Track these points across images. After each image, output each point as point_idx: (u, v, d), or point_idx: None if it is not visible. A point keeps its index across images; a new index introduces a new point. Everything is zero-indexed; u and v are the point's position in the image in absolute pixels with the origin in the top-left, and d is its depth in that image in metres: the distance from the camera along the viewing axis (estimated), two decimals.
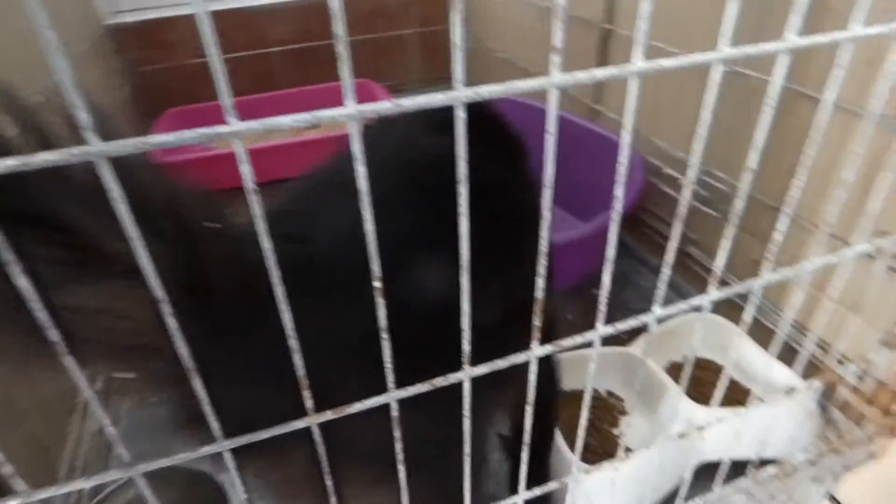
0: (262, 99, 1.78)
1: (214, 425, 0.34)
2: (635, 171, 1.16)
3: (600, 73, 0.31)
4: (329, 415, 0.37)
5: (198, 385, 0.31)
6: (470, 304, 0.36)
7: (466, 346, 0.39)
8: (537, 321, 0.41)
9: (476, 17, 1.85)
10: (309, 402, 0.36)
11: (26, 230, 0.28)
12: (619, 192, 0.39)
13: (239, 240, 0.37)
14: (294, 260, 0.31)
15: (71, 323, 0.30)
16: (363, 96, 1.84)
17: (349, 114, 0.26)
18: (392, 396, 0.38)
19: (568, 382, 0.94)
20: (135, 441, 0.92)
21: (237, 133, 0.25)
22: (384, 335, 0.34)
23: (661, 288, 0.46)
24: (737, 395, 0.90)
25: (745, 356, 0.91)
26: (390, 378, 0.37)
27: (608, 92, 1.35)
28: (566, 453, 0.77)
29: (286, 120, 0.25)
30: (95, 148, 0.23)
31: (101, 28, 1.56)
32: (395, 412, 0.39)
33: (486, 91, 0.29)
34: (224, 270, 0.37)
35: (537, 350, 0.42)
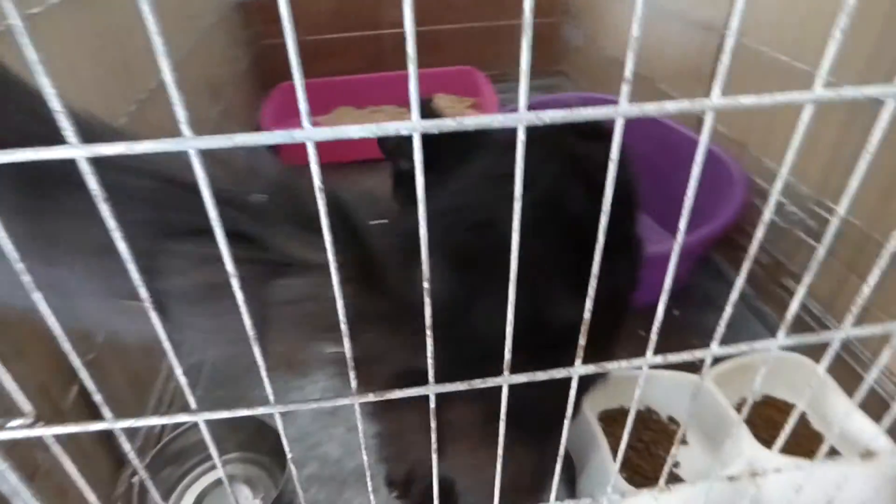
0: (371, 79, 1.84)
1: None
2: (736, 189, 1.10)
3: (671, 106, 0.31)
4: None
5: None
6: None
7: (508, 355, 0.40)
8: (582, 340, 0.41)
9: (587, 14, 1.81)
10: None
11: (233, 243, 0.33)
12: (683, 224, 0.38)
13: (402, 232, 0.41)
14: (477, 248, 0.35)
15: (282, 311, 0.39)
16: (465, 84, 1.86)
17: (412, 127, 0.28)
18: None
19: (628, 399, 0.92)
20: (219, 384, 1.02)
21: (310, 137, 0.28)
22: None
23: (721, 326, 0.44)
24: (810, 444, 0.84)
25: (824, 401, 0.85)
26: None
27: None
28: (609, 467, 0.76)
29: (354, 130, 0.28)
30: (188, 141, 0.27)
31: (231, 2, 1.68)
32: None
33: (548, 116, 0.29)
34: (391, 259, 0.42)
35: (580, 369, 0.42)
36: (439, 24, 1.88)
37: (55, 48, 0.71)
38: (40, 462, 0.57)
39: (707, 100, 0.31)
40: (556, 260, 0.56)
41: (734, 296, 0.43)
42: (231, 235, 0.30)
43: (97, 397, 0.37)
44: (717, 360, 0.97)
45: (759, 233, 0.38)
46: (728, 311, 0.44)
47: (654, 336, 0.43)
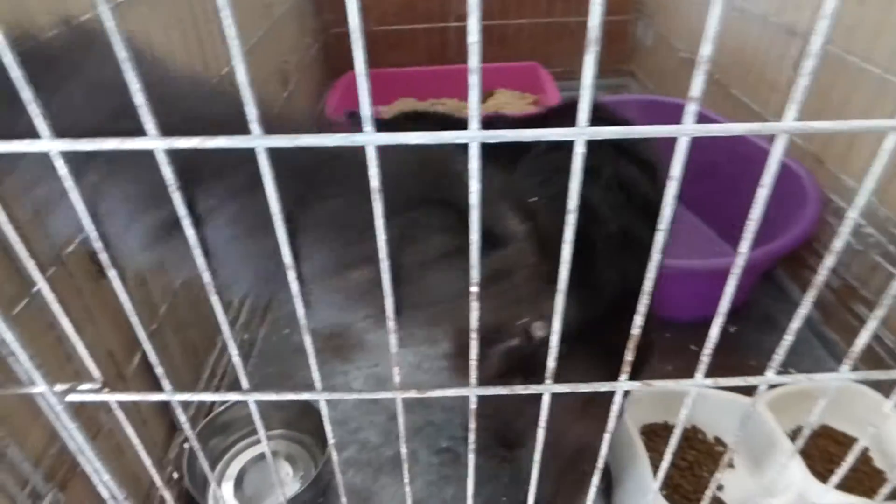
0: (434, 72, 1.85)
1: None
2: (809, 205, 1.05)
3: (739, 127, 0.30)
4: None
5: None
6: None
7: (552, 363, 0.40)
8: (629, 356, 0.40)
9: (660, 13, 1.75)
10: None
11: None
12: (745, 246, 0.37)
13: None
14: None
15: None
16: (529, 80, 1.84)
17: (471, 136, 0.28)
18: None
19: (673, 415, 0.90)
20: (269, 362, 1.06)
21: (370, 141, 0.28)
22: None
23: (780, 354, 0.42)
24: (870, 482, 0.80)
25: (888, 437, 0.80)
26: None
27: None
28: (648, 483, 0.75)
29: (413, 136, 0.28)
30: (257, 139, 0.28)
31: None
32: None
33: (608, 132, 0.29)
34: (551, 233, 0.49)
35: (625, 384, 0.42)
36: (506, 19, 1.86)
37: (138, 33, 0.75)
38: (103, 423, 0.61)
39: (780, 122, 0.29)
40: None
41: (796, 324, 0.41)
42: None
43: (158, 370, 0.40)
44: (773, 385, 0.93)
45: (828, 260, 0.36)
46: (789, 339, 0.42)
47: (705, 358, 0.42)
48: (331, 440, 0.45)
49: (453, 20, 1.85)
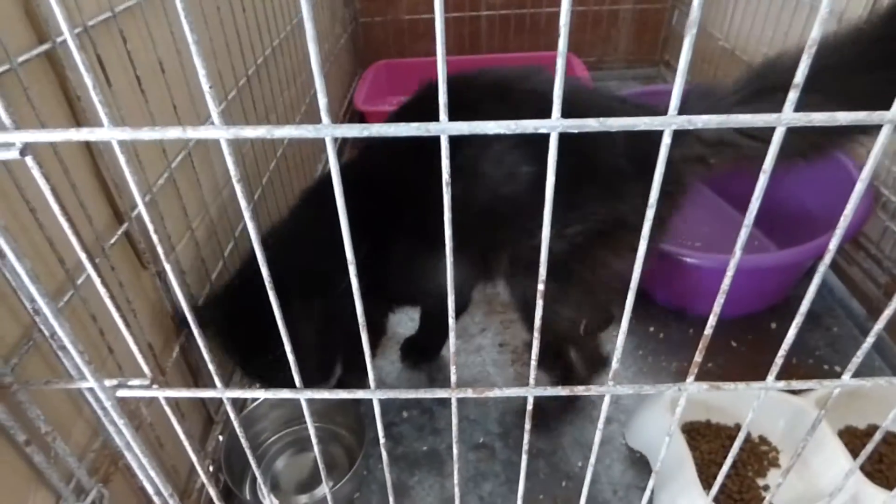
0: (465, 61, 1.82)
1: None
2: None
3: (843, 116, 0.27)
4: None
5: None
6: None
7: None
8: (698, 357, 0.38)
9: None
10: None
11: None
12: (834, 243, 0.34)
13: None
14: None
15: None
16: None
17: (552, 125, 0.27)
18: None
19: (715, 413, 0.87)
20: None
21: (445, 130, 0.27)
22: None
23: (859, 357, 0.40)
24: None
25: None
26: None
27: None
28: (696, 487, 0.72)
29: (491, 125, 0.26)
30: (326, 129, 0.26)
31: None
32: None
33: (701, 121, 0.27)
34: None
35: (691, 385, 0.40)
36: (539, 8, 1.82)
37: (176, 26, 0.74)
38: (144, 417, 0.61)
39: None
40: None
41: (879, 325, 0.39)
42: None
43: (211, 367, 0.39)
44: (813, 376, 0.90)
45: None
46: (870, 341, 0.40)
47: (778, 360, 0.40)
48: (382, 439, 0.44)
49: (485, 9, 1.82)
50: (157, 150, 0.66)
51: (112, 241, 0.56)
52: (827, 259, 0.35)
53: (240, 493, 0.76)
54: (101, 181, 0.57)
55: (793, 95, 0.26)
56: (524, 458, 0.45)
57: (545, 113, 0.27)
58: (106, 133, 0.27)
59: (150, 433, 0.63)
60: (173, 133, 0.27)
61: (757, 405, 0.42)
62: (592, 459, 0.46)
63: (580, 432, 0.90)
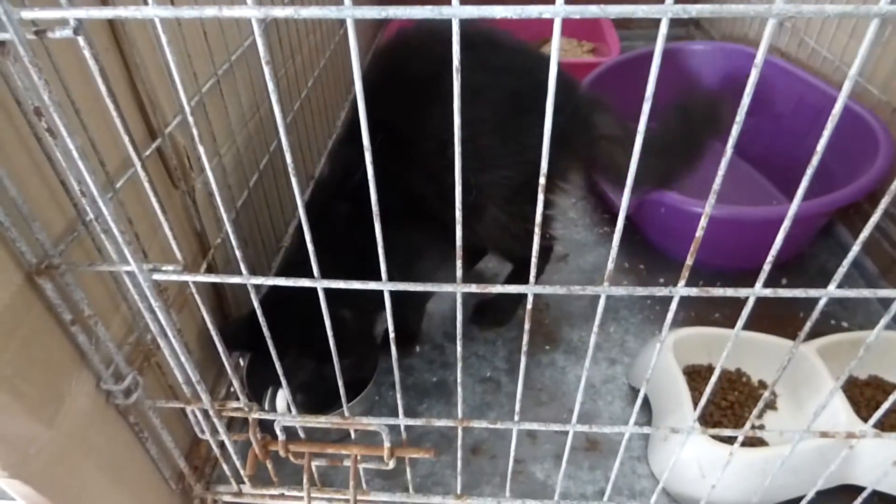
0: None
1: None
2: (879, 156, 1.00)
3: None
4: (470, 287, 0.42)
5: None
6: None
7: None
8: (690, 260, 0.41)
9: None
10: None
11: None
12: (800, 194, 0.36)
13: None
14: None
15: None
16: (588, 28, 1.79)
17: (555, 11, 0.29)
18: None
19: (717, 358, 0.90)
20: None
21: (456, 14, 0.29)
22: None
23: (845, 266, 0.42)
24: None
25: None
26: None
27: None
28: (690, 418, 0.75)
29: (499, 10, 0.29)
30: (347, 10, 0.29)
31: None
32: None
33: (695, 9, 0.29)
34: None
35: (682, 290, 0.42)
36: None
37: None
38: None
39: (873, 7, 0.28)
40: None
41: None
42: None
43: (238, 253, 0.42)
44: (820, 332, 0.91)
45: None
46: (855, 250, 0.42)
47: (766, 266, 0.42)
48: (392, 333, 0.48)
49: None
50: (188, 75, 0.69)
51: (147, 153, 0.60)
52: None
53: (260, 402, 0.81)
54: (136, 97, 0.60)
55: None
56: (523, 359, 0.48)
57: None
58: (150, 10, 0.30)
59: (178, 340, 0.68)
60: (210, 11, 0.30)
61: (746, 311, 0.45)
62: (587, 364, 0.49)
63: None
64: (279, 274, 0.81)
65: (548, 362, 0.95)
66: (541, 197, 0.36)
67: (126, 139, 0.37)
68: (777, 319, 0.90)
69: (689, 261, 0.41)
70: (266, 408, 0.82)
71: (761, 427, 0.83)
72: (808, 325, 0.44)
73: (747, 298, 0.43)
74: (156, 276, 0.43)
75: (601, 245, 1.18)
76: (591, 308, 1.03)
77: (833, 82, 1.21)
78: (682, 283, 0.42)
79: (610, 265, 0.41)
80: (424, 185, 0.74)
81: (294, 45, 1.07)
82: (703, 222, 0.37)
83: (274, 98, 0.33)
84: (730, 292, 0.43)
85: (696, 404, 0.82)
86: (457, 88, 0.32)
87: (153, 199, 0.40)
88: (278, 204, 1.01)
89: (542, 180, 0.35)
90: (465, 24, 0.29)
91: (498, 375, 0.93)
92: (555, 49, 0.30)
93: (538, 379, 0.93)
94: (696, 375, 0.89)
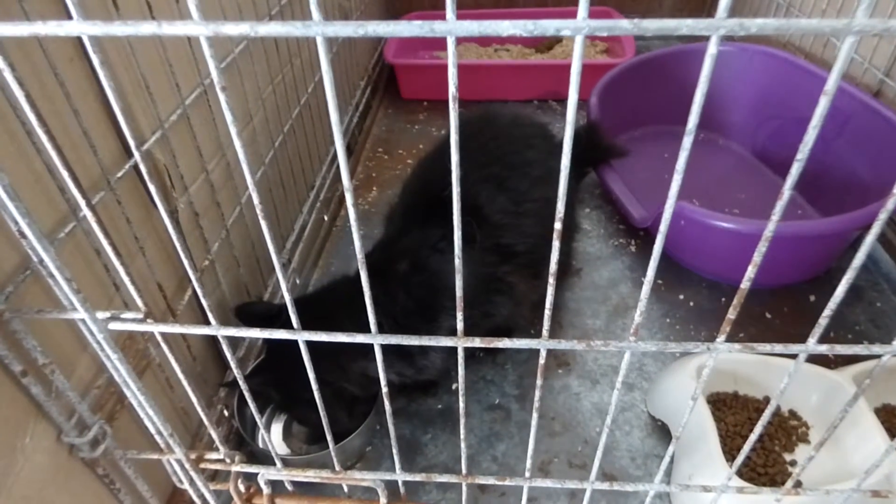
0: (497, 15, 1.75)
1: None
2: None
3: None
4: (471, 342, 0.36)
5: None
6: None
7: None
8: (732, 314, 0.35)
9: None
10: None
11: None
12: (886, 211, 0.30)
13: None
14: None
15: None
16: None
17: (577, 27, 0.23)
18: None
19: (743, 385, 0.83)
20: None
21: (452, 31, 0.23)
22: None
23: None
24: None
25: None
26: None
27: None
28: (719, 459, 0.69)
29: (504, 25, 0.23)
30: (316, 27, 0.23)
31: None
32: None
33: (755, 25, 0.23)
34: None
35: (723, 345, 0.36)
36: None
37: None
38: (153, 356, 0.60)
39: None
40: None
41: None
42: None
43: (205, 302, 0.37)
44: (856, 358, 0.85)
45: None
46: None
47: (822, 321, 0.36)
48: (384, 385, 0.42)
49: None
50: (169, 84, 0.63)
51: (119, 174, 0.54)
52: (876, 228, 0.30)
53: (251, 441, 0.75)
54: (109, 112, 0.55)
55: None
56: (535, 414, 0.42)
57: None
58: (75, 27, 0.24)
59: (159, 375, 0.63)
60: (147, 29, 0.24)
61: (794, 368, 0.39)
62: (608, 421, 0.43)
63: (600, 397, 0.87)
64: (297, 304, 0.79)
65: (561, 387, 0.89)
66: (555, 248, 0.30)
67: (68, 179, 0.31)
68: (805, 340, 0.83)
69: (732, 314, 0.34)
70: (259, 444, 0.77)
71: (793, 463, 0.77)
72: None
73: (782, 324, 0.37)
74: (112, 326, 0.38)
75: (616, 258, 1.11)
76: (608, 326, 0.96)
77: (863, 85, 1.14)
78: (721, 337, 0.36)
79: (637, 318, 0.35)
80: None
81: (293, 49, 1.02)
82: (761, 247, 0.31)
83: (233, 130, 0.27)
84: (778, 349, 0.36)
85: (721, 437, 0.75)
86: (453, 121, 0.26)
87: (105, 244, 0.34)
88: (275, 218, 0.95)
89: (557, 225, 0.29)
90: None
91: (507, 402, 0.87)
92: (575, 71, 0.24)
93: (551, 406, 0.86)
94: (721, 405, 0.82)
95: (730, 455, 0.78)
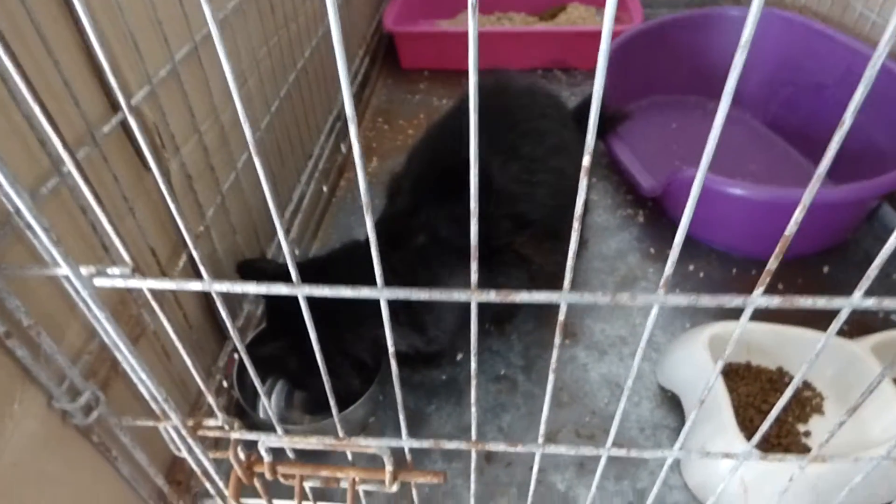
0: None
1: None
2: None
3: None
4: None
5: None
6: None
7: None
8: (772, 264, 0.32)
9: None
10: None
11: None
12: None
13: None
14: None
15: None
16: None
17: None
18: None
19: (756, 355, 0.81)
20: None
21: None
22: None
23: None
24: None
25: None
26: None
27: None
28: (732, 430, 0.67)
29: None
30: None
31: None
32: None
33: None
34: None
35: (759, 299, 0.34)
36: None
37: None
38: (147, 323, 0.57)
39: None
40: None
41: None
42: None
43: (196, 254, 0.34)
44: (873, 328, 0.82)
45: None
46: None
47: (871, 273, 0.33)
48: (391, 346, 0.40)
49: None
50: (158, 38, 0.60)
51: (106, 129, 0.51)
52: None
53: (252, 411, 0.73)
54: (94, 65, 0.51)
55: None
56: (551, 376, 0.40)
57: None
58: None
59: (154, 344, 0.60)
60: None
61: (833, 328, 0.36)
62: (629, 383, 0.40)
63: (608, 368, 0.85)
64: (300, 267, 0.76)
65: (568, 358, 0.87)
66: (582, 187, 0.27)
67: (46, 124, 0.28)
68: (817, 313, 0.81)
69: (773, 264, 0.32)
70: (260, 414, 0.75)
71: (807, 434, 0.75)
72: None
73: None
74: (98, 282, 0.35)
75: (624, 229, 1.08)
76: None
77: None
78: (759, 290, 0.33)
79: (668, 270, 0.32)
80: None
81: (288, 13, 0.98)
82: (797, 215, 0.28)
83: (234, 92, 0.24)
84: (821, 303, 0.34)
85: (734, 407, 0.73)
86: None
87: (90, 197, 0.32)
88: (273, 187, 0.92)
89: (585, 161, 0.26)
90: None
91: (514, 373, 0.85)
92: (608, 22, 0.21)
93: (558, 377, 0.84)
94: (733, 375, 0.80)
95: (742, 426, 0.76)
